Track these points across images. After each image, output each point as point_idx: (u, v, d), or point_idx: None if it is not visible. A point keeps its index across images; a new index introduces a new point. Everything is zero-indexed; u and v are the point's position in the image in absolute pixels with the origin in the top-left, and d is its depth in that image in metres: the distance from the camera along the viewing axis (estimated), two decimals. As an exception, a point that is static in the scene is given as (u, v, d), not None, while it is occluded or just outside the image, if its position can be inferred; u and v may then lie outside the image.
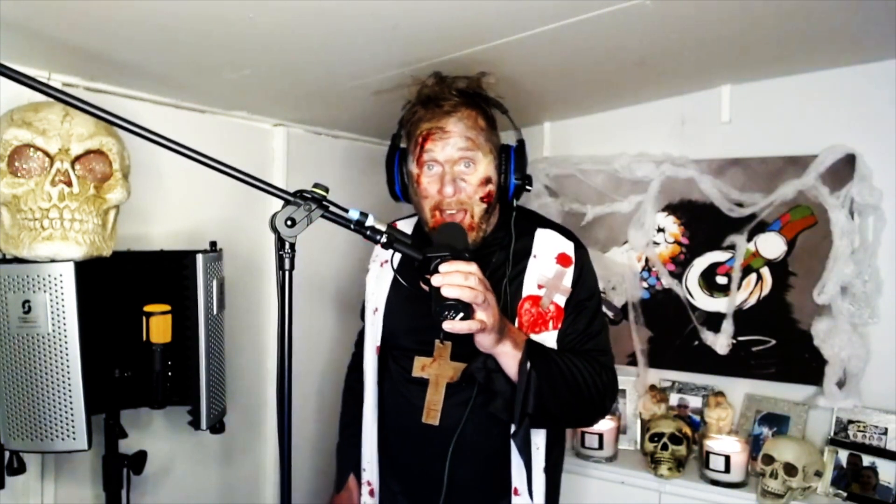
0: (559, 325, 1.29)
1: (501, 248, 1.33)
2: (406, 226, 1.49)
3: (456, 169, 1.26)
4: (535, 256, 1.33)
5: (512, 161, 1.31)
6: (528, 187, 1.33)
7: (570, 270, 1.32)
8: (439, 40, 1.49)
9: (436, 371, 1.31)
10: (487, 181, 1.27)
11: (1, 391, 1.22)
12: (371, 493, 1.41)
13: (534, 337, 1.26)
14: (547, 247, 1.34)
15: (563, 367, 1.20)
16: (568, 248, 1.34)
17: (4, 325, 1.21)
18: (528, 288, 1.30)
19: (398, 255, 1.35)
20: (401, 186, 1.36)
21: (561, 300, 1.30)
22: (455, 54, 1.55)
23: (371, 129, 2.32)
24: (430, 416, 1.30)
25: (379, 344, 1.39)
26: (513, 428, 1.22)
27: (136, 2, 1.16)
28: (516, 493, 1.29)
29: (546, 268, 1.31)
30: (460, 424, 1.27)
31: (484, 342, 1.09)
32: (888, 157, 1.93)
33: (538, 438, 1.29)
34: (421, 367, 1.33)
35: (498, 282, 1.28)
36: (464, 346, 1.26)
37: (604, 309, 2.32)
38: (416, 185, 1.29)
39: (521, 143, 1.33)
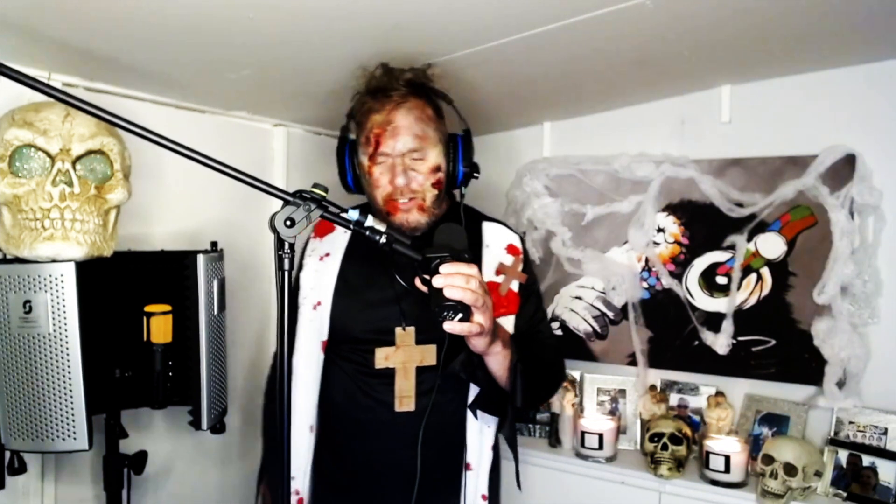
0: (515, 310, 1.35)
1: None
2: (352, 213, 1.49)
3: (406, 160, 1.30)
4: (487, 246, 1.39)
5: (460, 150, 1.36)
6: (475, 175, 1.39)
7: (521, 259, 1.40)
8: (439, 40, 1.49)
9: (402, 358, 1.32)
10: (437, 169, 1.32)
11: (2, 391, 1.22)
12: (300, 502, 1.37)
13: None
14: (496, 238, 1.41)
15: (535, 358, 1.27)
16: (514, 239, 1.42)
17: (5, 325, 1.21)
18: (486, 275, 1.35)
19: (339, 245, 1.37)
20: (353, 177, 1.40)
21: (516, 286, 1.37)
22: (455, 54, 1.55)
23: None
24: (403, 403, 1.31)
25: (325, 339, 1.36)
26: (478, 415, 1.30)
27: (137, 2, 1.16)
28: (468, 468, 1.33)
29: (501, 257, 1.38)
30: (427, 410, 1.29)
31: (479, 345, 1.11)
32: (888, 157, 1.93)
33: (490, 419, 1.34)
34: (384, 357, 1.32)
35: None
36: (428, 331, 1.31)
37: (604, 309, 2.35)
38: (369, 177, 1.33)
39: (466, 132, 1.38)
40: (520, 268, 1.38)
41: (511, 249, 1.40)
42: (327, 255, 1.40)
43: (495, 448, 1.38)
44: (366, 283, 1.35)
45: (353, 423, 1.36)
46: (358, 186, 1.41)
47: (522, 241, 1.44)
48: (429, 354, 1.32)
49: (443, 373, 1.30)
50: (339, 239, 1.41)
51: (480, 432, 1.33)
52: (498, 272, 1.36)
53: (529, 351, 1.27)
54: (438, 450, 1.33)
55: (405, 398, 1.31)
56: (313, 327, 1.36)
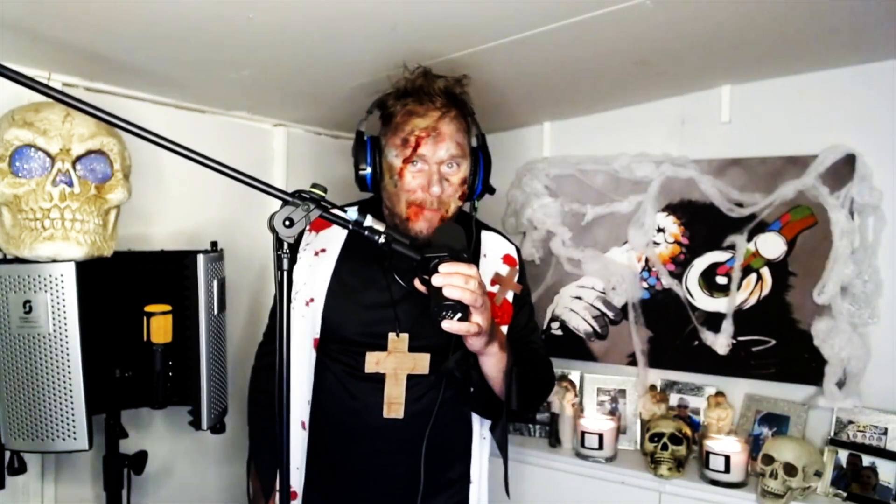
0: (509, 321, 1.35)
1: None
2: (351, 212, 1.47)
3: (442, 169, 1.26)
4: (485, 256, 1.38)
5: (481, 165, 1.32)
6: (490, 191, 1.37)
7: (517, 270, 1.40)
8: (439, 40, 1.49)
9: (393, 364, 1.30)
10: (464, 181, 1.30)
11: (2, 391, 1.22)
12: (293, 496, 1.35)
13: None
14: (494, 248, 1.40)
15: (528, 363, 1.27)
16: (511, 249, 1.42)
17: (5, 325, 1.21)
18: None
19: (341, 243, 1.36)
20: (371, 175, 1.32)
21: (511, 297, 1.37)
22: (455, 54, 1.55)
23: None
24: (392, 410, 1.29)
25: (317, 337, 1.33)
26: (477, 420, 1.31)
27: (137, 2, 1.16)
28: (471, 481, 1.34)
29: (497, 267, 1.38)
30: (431, 419, 1.27)
31: (476, 344, 1.11)
32: (888, 157, 1.92)
33: (484, 429, 1.35)
34: (375, 361, 1.29)
35: None
36: (422, 338, 1.29)
37: (604, 309, 2.35)
38: (398, 178, 1.26)
39: (485, 146, 1.35)
40: (515, 278, 1.39)
41: (507, 260, 1.39)
42: (323, 250, 1.37)
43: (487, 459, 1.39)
44: (362, 284, 1.32)
45: (339, 425, 1.34)
46: (374, 185, 1.34)
47: (519, 251, 1.44)
48: (421, 362, 1.30)
49: (438, 370, 1.29)
50: (336, 235, 1.37)
51: (480, 444, 1.33)
52: (493, 282, 1.36)
53: (527, 356, 1.28)
54: (433, 461, 1.31)
55: (394, 405, 1.29)
56: (305, 323, 1.33)
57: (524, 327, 1.40)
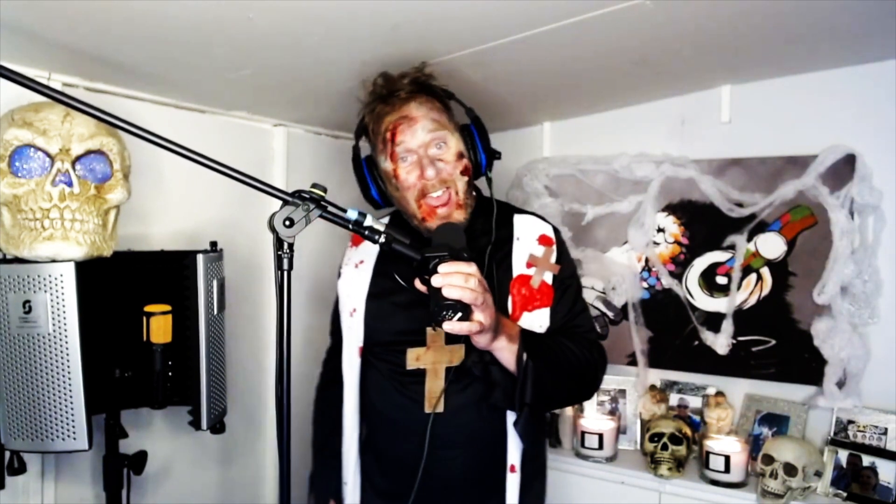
0: (550, 303, 1.32)
1: (484, 233, 1.34)
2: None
3: (430, 152, 1.28)
4: (518, 238, 1.36)
5: (476, 137, 1.34)
6: (497, 156, 1.37)
7: (554, 249, 1.36)
8: (439, 40, 1.49)
9: (432, 359, 1.31)
10: (461, 155, 1.30)
11: (1, 391, 1.22)
12: None
13: (527, 315, 1.29)
14: (527, 229, 1.37)
15: (559, 351, 1.24)
16: (547, 229, 1.38)
17: (5, 325, 1.21)
18: (517, 268, 1.33)
19: (371, 249, 1.37)
20: (377, 191, 1.37)
21: (549, 278, 1.33)
22: (455, 54, 1.55)
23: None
24: (433, 404, 1.29)
25: (362, 345, 1.37)
26: (510, 414, 1.28)
27: (137, 2, 1.16)
28: (512, 469, 1.31)
29: (532, 248, 1.35)
30: (460, 411, 1.28)
31: (481, 341, 1.11)
32: (888, 157, 1.93)
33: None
34: (415, 357, 1.31)
35: (485, 265, 1.29)
36: None
37: (604, 309, 2.35)
38: (395, 180, 1.30)
39: (476, 118, 1.36)
40: (552, 258, 1.34)
41: (543, 240, 1.36)
42: (361, 262, 1.40)
43: (540, 453, 1.37)
44: (396, 285, 1.34)
45: (391, 423, 1.35)
46: (385, 199, 1.38)
47: (557, 231, 1.40)
48: (458, 353, 1.30)
49: (456, 369, 1.29)
50: (373, 246, 1.39)
51: (515, 437, 1.31)
52: (529, 265, 1.33)
53: (556, 345, 1.25)
54: (477, 452, 1.31)
55: (435, 399, 1.29)
56: (352, 334, 1.37)
57: (569, 311, 1.35)
